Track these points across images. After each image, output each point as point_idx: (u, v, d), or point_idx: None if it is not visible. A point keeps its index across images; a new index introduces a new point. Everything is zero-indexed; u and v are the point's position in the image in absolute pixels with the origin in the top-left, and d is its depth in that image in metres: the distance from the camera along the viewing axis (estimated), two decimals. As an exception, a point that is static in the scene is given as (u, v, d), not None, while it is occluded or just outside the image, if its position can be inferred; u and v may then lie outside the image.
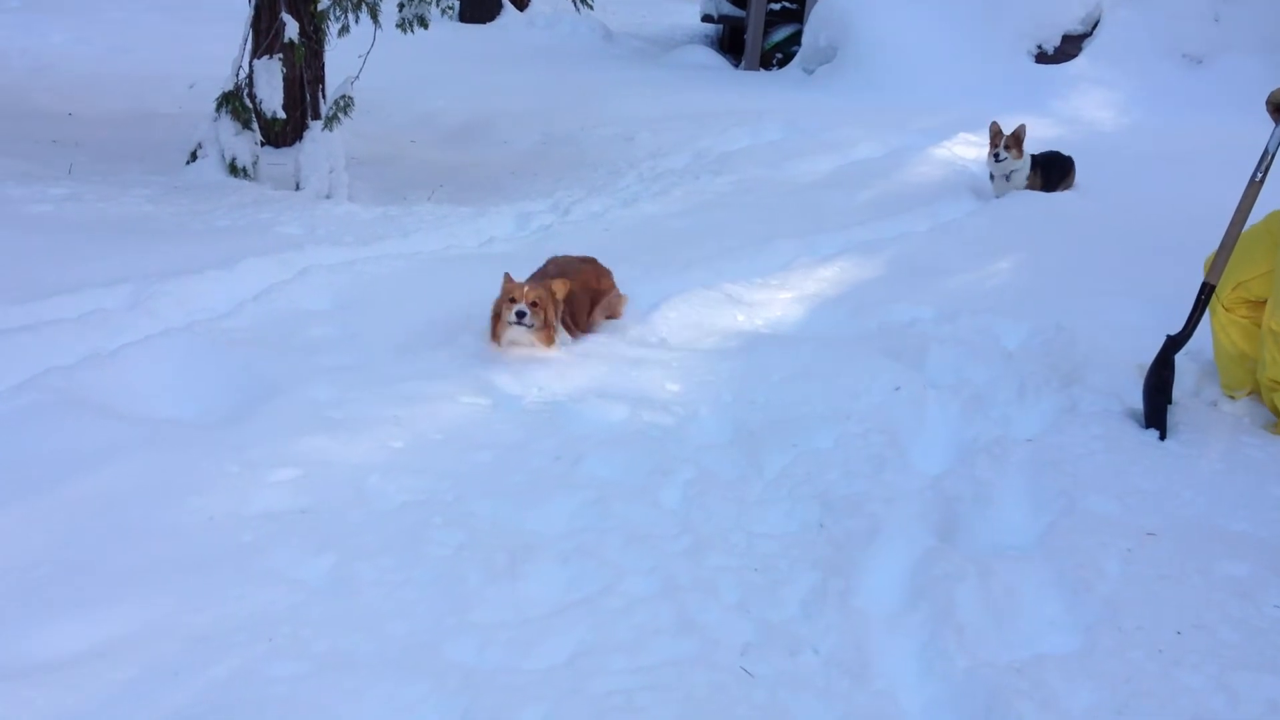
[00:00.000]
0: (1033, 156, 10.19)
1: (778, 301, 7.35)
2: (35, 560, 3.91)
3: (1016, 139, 9.99)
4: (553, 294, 6.23)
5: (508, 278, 6.22)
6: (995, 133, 10.05)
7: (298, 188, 9.98)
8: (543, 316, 6.11)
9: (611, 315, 6.94)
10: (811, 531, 4.56)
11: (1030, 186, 10.13)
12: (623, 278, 7.53)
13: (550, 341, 6.19)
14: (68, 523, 4.16)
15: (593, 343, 6.39)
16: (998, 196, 10.07)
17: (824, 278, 7.84)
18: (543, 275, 6.59)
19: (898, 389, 5.78)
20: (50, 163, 9.95)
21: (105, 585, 3.82)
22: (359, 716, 3.28)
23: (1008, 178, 10.13)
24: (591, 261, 7.04)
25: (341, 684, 3.40)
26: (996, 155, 10.01)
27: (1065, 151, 10.54)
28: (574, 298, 6.49)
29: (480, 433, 5.19)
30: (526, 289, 6.11)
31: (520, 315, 5.99)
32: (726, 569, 4.23)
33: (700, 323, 6.86)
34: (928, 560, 4.29)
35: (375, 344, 6.21)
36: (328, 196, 9.89)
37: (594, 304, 6.77)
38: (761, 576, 4.20)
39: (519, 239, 9.06)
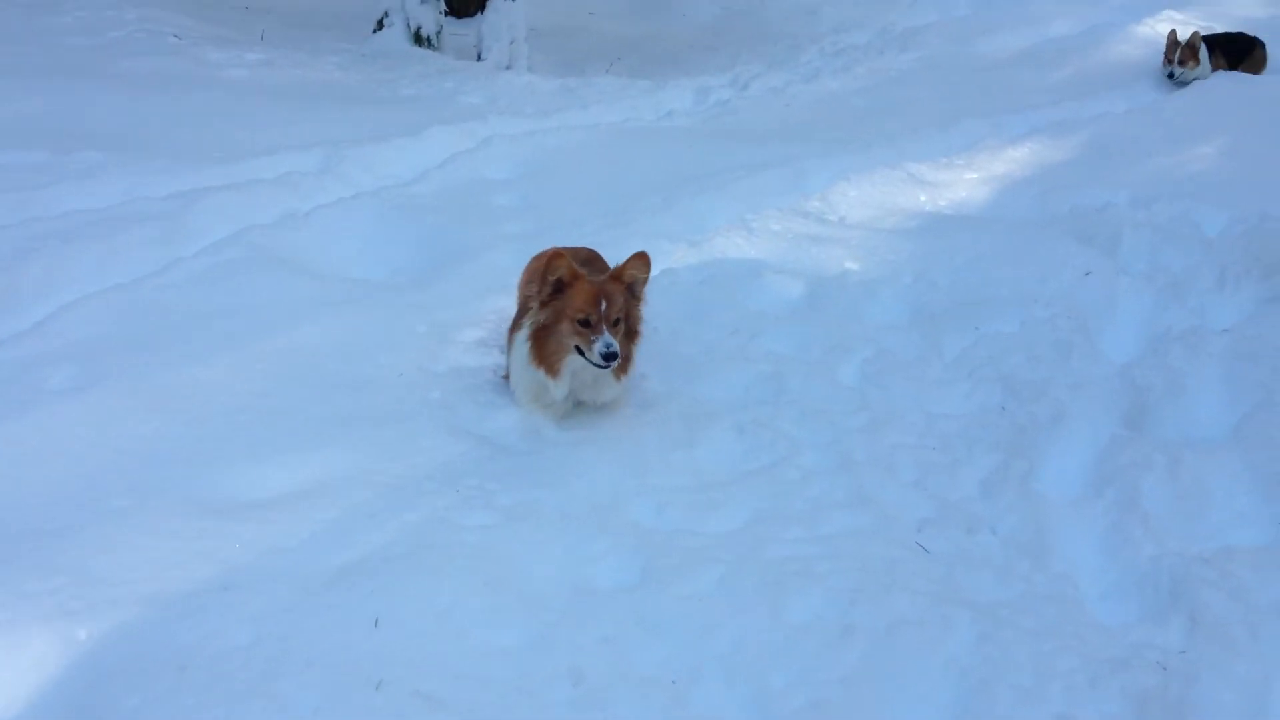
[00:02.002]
0: (1207, 39, 9.51)
1: (963, 182, 7.14)
2: (240, 407, 4.12)
3: (1192, 49, 9.29)
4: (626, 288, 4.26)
5: (559, 261, 4.11)
6: (1171, 44, 9.39)
7: (479, 58, 10.08)
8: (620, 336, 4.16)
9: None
10: (992, 414, 4.48)
11: (1216, 69, 9.53)
12: (802, 153, 7.41)
13: (625, 371, 4.28)
14: (269, 373, 4.37)
15: (771, 218, 6.30)
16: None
17: (1012, 159, 7.57)
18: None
19: (1088, 274, 5.59)
20: (243, 28, 10.24)
21: (304, 433, 4.01)
22: (543, 567, 3.39)
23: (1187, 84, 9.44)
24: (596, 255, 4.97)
25: (527, 536, 3.52)
26: (1171, 74, 9.36)
27: (1253, 34, 9.83)
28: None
29: (655, 302, 5.17)
30: (604, 300, 4.09)
31: (610, 358, 4.02)
32: (904, 446, 4.21)
33: (881, 201, 6.72)
34: (1114, 447, 4.19)
35: (555, 214, 6.28)
36: (508, 67, 9.96)
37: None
38: (940, 455, 4.16)
39: (698, 113, 9.00)
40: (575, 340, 4.07)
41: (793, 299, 5.46)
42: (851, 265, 5.79)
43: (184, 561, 3.27)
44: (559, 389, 4.18)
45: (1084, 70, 9.91)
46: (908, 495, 3.91)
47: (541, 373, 4.15)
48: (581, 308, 4.06)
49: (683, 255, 5.83)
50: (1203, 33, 9.53)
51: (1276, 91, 9.17)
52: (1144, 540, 3.62)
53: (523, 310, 4.37)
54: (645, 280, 4.29)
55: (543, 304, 4.14)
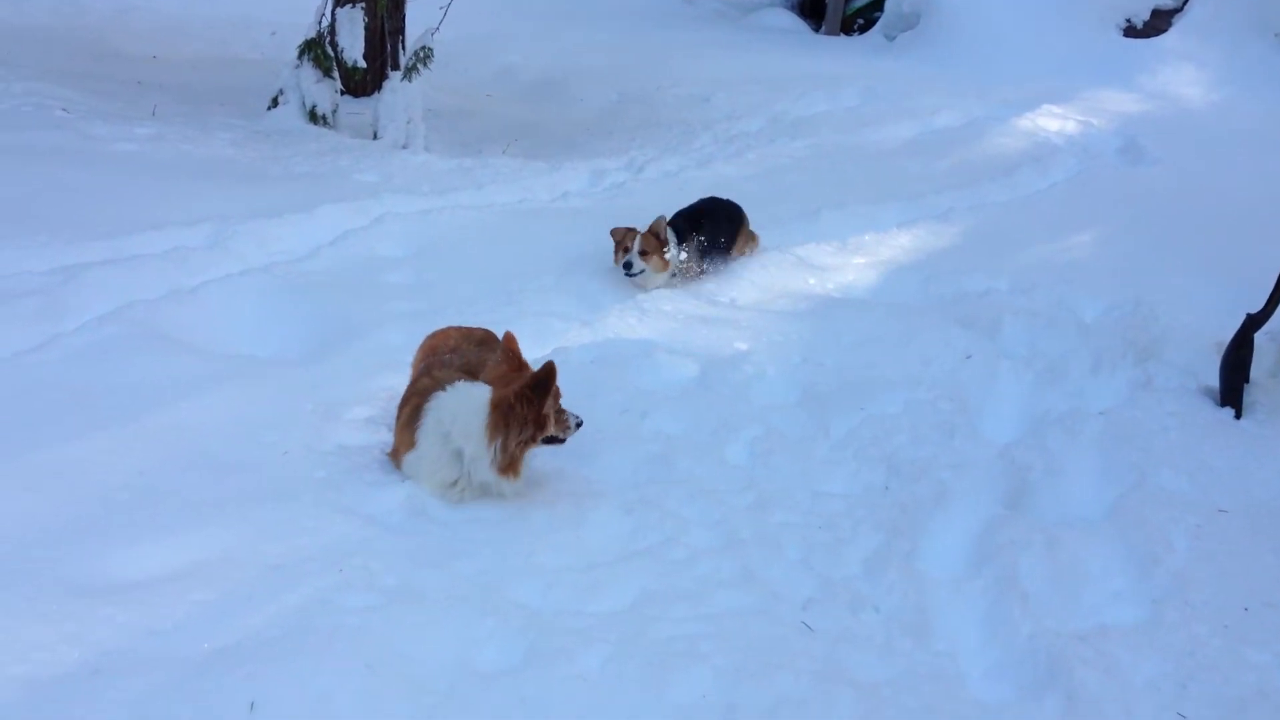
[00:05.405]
0: (673, 225, 6.82)
1: (850, 267, 7.30)
2: (117, 486, 4.01)
3: (656, 237, 6.64)
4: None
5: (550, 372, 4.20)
6: (623, 235, 6.71)
7: (375, 137, 10.05)
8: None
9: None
10: (876, 493, 4.56)
11: (689, 272, 6.92)
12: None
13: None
14: (148, 452, 4.26)
15: (662, 299, 6.37)
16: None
17: (898, 245, 7.77)
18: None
19: (969, 357, 5.74)
20: (135, 103, 10.09)
21: (183, 513, 3.91)
22: (426, 649, 3.34)
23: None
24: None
25: (410, 618, 3.47)
26: (628, 266, 6.56)
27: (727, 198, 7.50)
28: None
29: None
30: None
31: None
32: (790, 525, 4.26)
33: (771, 284, 6.84)
34: (994, 527, 4.28)
35: (447, 293, 6.26)
36: (404, 147, 9.95)
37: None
38: (825, 534, 4.22)
39: (593, 195, 9.07)
40: (557, 431, 4.30)
41: (683, 379, 5.51)
42: (741, 346, 5.86)
43: (52, 644, 3.16)
44: (512, 488, 4.24)
45: (966, 161, 10.22)
46: (793, 573, 3.95)
47: (507, 481, 4.20)
48: (555, 405, 4.28)
49: (575, 335, 5.86)
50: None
51: (1149, 183, 9.60)
52: (1022, 619, 3.69)
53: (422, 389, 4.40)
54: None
55: (533, 420, 4.20)
